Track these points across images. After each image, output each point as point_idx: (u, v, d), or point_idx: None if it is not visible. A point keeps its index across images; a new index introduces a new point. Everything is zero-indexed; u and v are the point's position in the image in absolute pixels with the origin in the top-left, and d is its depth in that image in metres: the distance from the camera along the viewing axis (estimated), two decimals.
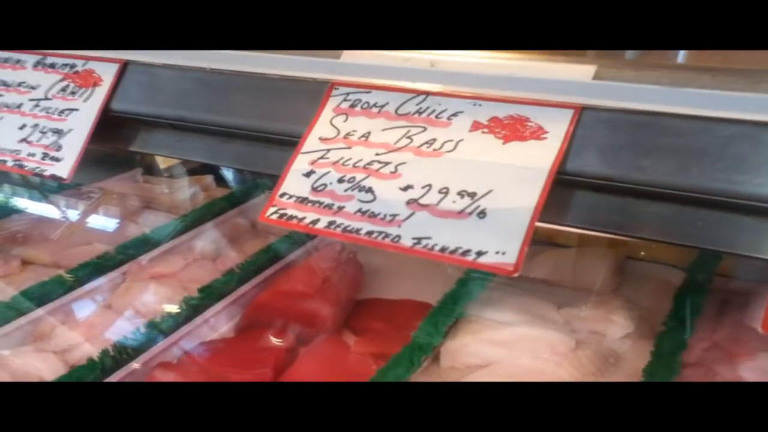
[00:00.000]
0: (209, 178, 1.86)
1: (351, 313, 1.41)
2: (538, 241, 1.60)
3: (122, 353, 1.20)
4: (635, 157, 0.64)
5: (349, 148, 0.73)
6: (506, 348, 1.23)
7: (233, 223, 1.67)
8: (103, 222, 1.66)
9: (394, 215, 0.67)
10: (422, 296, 1.40)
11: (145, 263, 1.51)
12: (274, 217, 0.71)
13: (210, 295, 1.35)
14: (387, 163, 0.70)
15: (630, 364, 1.22)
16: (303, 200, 0.71)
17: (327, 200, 0.71)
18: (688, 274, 1.35)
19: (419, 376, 1.19)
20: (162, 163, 2.01)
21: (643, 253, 1.54)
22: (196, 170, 1.88)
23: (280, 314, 1.34)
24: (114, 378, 1.17)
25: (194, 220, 1.62)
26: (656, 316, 1.30)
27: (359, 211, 0.69)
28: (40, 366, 1.21)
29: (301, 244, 1.54)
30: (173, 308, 1.33)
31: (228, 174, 1.90)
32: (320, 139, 0.74)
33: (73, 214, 1.68)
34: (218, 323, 1.36)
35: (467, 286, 1.34)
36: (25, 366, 1.21)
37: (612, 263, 1.48)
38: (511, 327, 1.25)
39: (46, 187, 1.84)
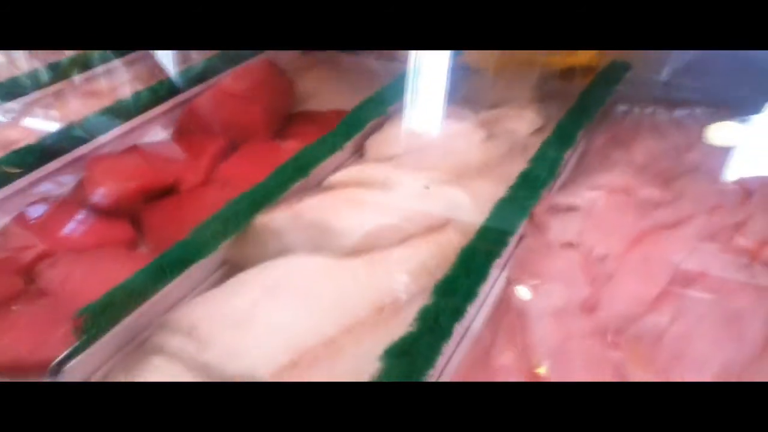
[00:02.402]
0: None
1: (282, 125, 1.54)
2: (462, 67, 1.74)
3: (55, 144, 1.29)
4: None
5: None
6: (425, 138, 1.38)
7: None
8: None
9: None
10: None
11: (78, 82, 1.60)
12: None
13: (143, 100, 1.45)
14: None
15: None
16: None
17: None
18: (595, 77, 1.51)
19: (345, 168, 1.32)
20: None
21: (559, 72, 1.69)
22: None
23: (214, 119, 1.46)
24: (51, 167, 1.27)
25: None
26: None
27: None
28: None
29: (233, 63, 1.64)
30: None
31: None
32: None
33: None
34: (152, 129, 1.47)
35: (392, 90, 1.47)
36: None
37: (528, 79, 1.63)
38: (430, 121, 1.40)
39: None
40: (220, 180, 1.31)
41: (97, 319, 0.84)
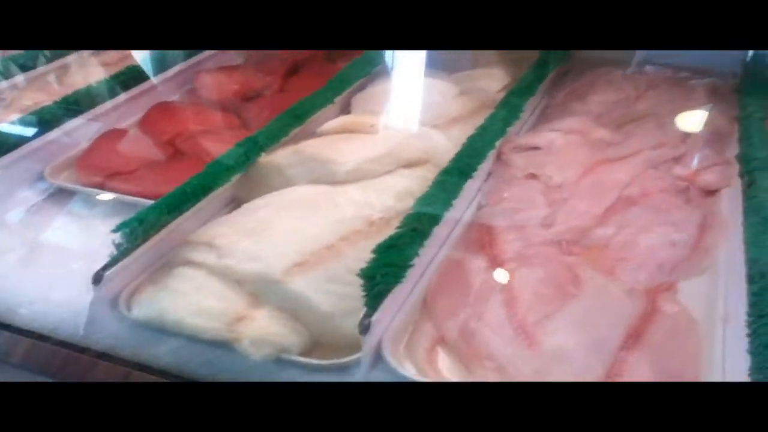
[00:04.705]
0: None
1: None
2: None
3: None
4: None
5: None
6: (406, 95, 1.51)
7: None
8: None
9: None
10: None
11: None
12: None
13: None
14: None
15: None
16: None
17: None
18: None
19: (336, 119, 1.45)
20: None
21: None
22: None
23: None
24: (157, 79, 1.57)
25: None
26: None
27: None
28: None
29: None
30: None
31: None
32: None
33: None
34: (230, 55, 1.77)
35: (376, 53, 1.61)
36: None
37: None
38: (410, 81, 1.54)
39: None
40: (291, 88, 1.62)
41: (132, 234, 0.97)
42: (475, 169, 1.11)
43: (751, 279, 0.86)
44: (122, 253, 0.97)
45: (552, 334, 0.88)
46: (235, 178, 1.15)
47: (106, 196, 1.22)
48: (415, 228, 0.93)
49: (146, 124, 1.47)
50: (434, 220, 0.97)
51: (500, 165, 1.26)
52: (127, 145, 1.40)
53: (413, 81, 1.56)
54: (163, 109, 1.51)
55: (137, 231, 0.97)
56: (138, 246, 0.99)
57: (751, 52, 1.62)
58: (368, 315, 0.82)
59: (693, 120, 1.41)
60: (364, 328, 0.82)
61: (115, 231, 0.97)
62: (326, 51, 1.81)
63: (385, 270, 0.84)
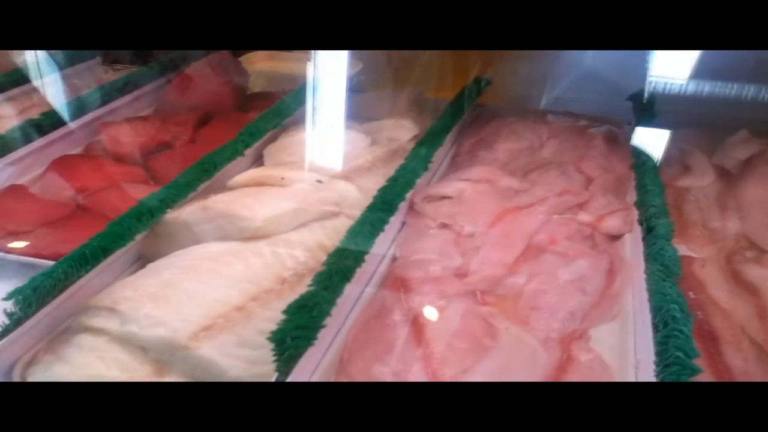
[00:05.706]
0: None
1: (244, 101, 1.82)
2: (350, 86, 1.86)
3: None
4: None
5: None
6: (317, 146, 1.48)
7: None
8: None
9: None
10: None
11: None
12: None
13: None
14: None
15: None
16: None
17: None
18: (461, 91, 1.66)
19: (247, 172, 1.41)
20: None
21: (433, 92, 1.84)
22: None
23: (193, 96, 1.71)
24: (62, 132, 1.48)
25: None
26: None
27: None
28: None
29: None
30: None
31: None
32: None
33: None
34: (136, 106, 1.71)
35: (287, 104, 1.58)
36: None
37: (407, 98, 1.77)
38: (321, 132, 1.51)
39: None
40: (202, 140, 1.56)
41: (25, 302, 0.88)
42: (387, 222, 1.09)
43: (656, 327, 0.86)
44: (15, 321, 0.89)
45: None
46: (138, 237, 1.07)
47: (3, 257, 1.12)
48: (327, 286, 0.88)
49: (48, 179, 1.38)
50: (347, 276, 0.93)
51: (413, 215, 1.24)
52: (27, 202, 1.31)
53: (325, 131, 1.53)
54: (65, 163, 1.42)
55: (30, 298, 0.89)
56: (33, 314, 0.91)
57: (644, 100, 1.68)
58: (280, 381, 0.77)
59: (594, 167, 1.44)
60: None
61: (6, 299, 0.89)
62: (238, 101, 1.78)
63: (296, 333, 0.79)
